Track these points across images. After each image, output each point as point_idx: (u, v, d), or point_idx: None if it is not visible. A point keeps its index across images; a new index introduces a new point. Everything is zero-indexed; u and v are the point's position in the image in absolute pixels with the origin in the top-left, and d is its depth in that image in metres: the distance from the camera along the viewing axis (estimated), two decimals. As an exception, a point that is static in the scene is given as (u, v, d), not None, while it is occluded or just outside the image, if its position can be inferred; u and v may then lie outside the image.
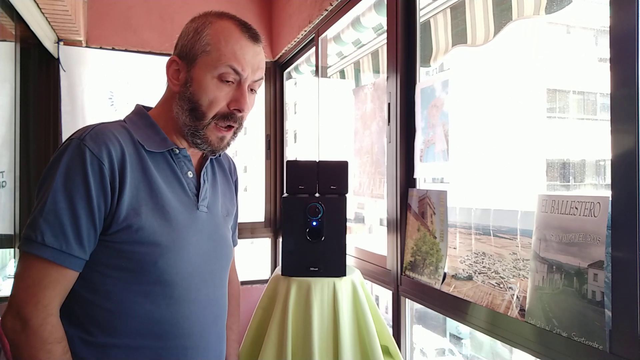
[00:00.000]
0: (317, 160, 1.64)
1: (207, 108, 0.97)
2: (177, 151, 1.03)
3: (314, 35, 2.51)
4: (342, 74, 2.74)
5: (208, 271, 1.05)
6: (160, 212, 0.96)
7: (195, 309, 1.01)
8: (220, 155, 1.18)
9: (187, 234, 1.00)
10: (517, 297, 1.18)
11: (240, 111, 0.99)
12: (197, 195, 1.05)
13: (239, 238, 1.32)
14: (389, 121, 1.76)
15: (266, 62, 1.07)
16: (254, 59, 0.99)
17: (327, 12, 2.24)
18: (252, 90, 1.03)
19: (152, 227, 0.94)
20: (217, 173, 1.16)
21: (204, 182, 1.08)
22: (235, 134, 1.05)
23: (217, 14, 1.01)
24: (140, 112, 1.06)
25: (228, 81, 0.97)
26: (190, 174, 1.05)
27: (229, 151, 1.18)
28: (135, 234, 0.92)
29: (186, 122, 0.99)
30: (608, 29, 0.95)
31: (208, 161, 1.11)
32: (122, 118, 1.05)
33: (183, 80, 1.00)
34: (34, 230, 0.87)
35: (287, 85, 3.24)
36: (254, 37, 1.01)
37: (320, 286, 1.52)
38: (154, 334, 0.96)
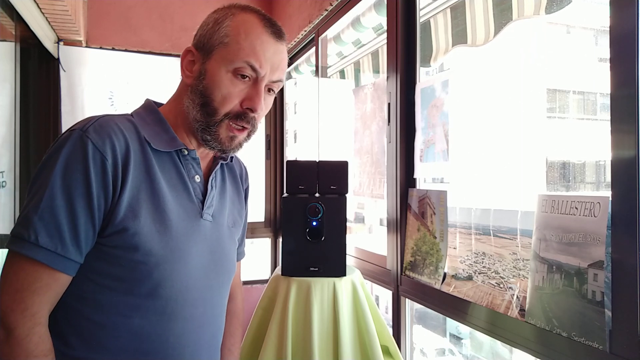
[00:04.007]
0: (317, 160, 1.64)
1: (219, 104, 0.90)
2: (186, 152, 0.95)
3: (314, 35, 2.51)
4: (342, 74, 2.74)
5: (207, 287, 0.96)
6: (160, 217, 0.88)
7: (189, 327, 0.92)
8: (232, 160, 1.10)
9: (187, 244, 0.91)
10: (517, 297, 1.18)
11: (253, 111, 0.91)
12: (203, 202, 0.96)
13: None
14: (389, 121, 1.76)
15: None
16: (274, 57, 0.92)
17: (327, 12, 2.24)
18: (270, 90, 0.96)
19: (150, 232, 0.86)
20: (227, 179, 1.08)
21: (212, 188, 0.99)
22: (249, 136, 0.97)
23: (241, 6, 0.94)
24: (150, 107, 0.98)
25: (244, 77, 0.90)
26: (197, 178, 0.97)
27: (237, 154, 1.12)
28: (131, 239, 0.84)
29: (197, 117, 0.92)
30: (608, 29, 0.95)
31: (218, 166, 1.02)
32: (129, 112, 0.97)
33: (197, 73, 0.92)
34: (26, 228, 0.78)
35: (287, 85, 3.24)
36: (277, 33, 0.94)
37: (320, 286, 1.52)
38: (141, 352, 0.87)
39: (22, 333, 0.78)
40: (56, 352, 0.83)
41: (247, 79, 0.91)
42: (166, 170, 0.92)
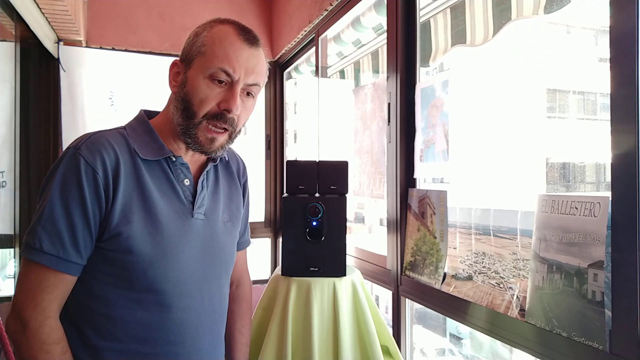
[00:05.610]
0: (317, 160, 1.64)
1: (197, 107, 0.98)
2: (174, 159, 1.04)
3: (314, 35, 2.51)
4: (342, 74, 2.74)
5: (202, 279, 1.05)
6: (151, 220, 0.97)
7: (187, 316, 1.02)
8: (227, 159, 1.19)
9: (178, 243, 1.00)
10: (517, 297, 1.18)
11: (229, 111, 0.98)
12: (193, 203, 1.05)
13: None
14: (389, 121, 1.76)
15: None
16: (248, 62, 0.99)
17: (327, 12, 2.24)
18: (249, 94, 1.03)
19: (142, 235, 0.95)
20: (220, 178, 1.16)
21: (202, 188, 1.08)
22: (231, 138, 1.04)
23: (220, 19, 1.03)
24: (141, 118, 1.07)
25: (220, 81, 0.97)
26: (186, 182, 1.05)
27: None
28: (126, 242, 0.94)
29: (179, 121, 1.00)
30: (608, 29, 0.95)
31: (208, 167, 1.10)
32: (124, 124, 1.07)
33: (180, 82, 1.01)
34: (32, 237, 0.91)
35: (287, 85, 3.24)
36: (250, 40, 1.00)
37: (320, 286, 1.52)
38: (146, 340, 0.98)
39: (35, 325, 0.90)
40: (75, 342, 0.95)
41: (223, 83, 0.98)
42: (156, 177, 1.01)
